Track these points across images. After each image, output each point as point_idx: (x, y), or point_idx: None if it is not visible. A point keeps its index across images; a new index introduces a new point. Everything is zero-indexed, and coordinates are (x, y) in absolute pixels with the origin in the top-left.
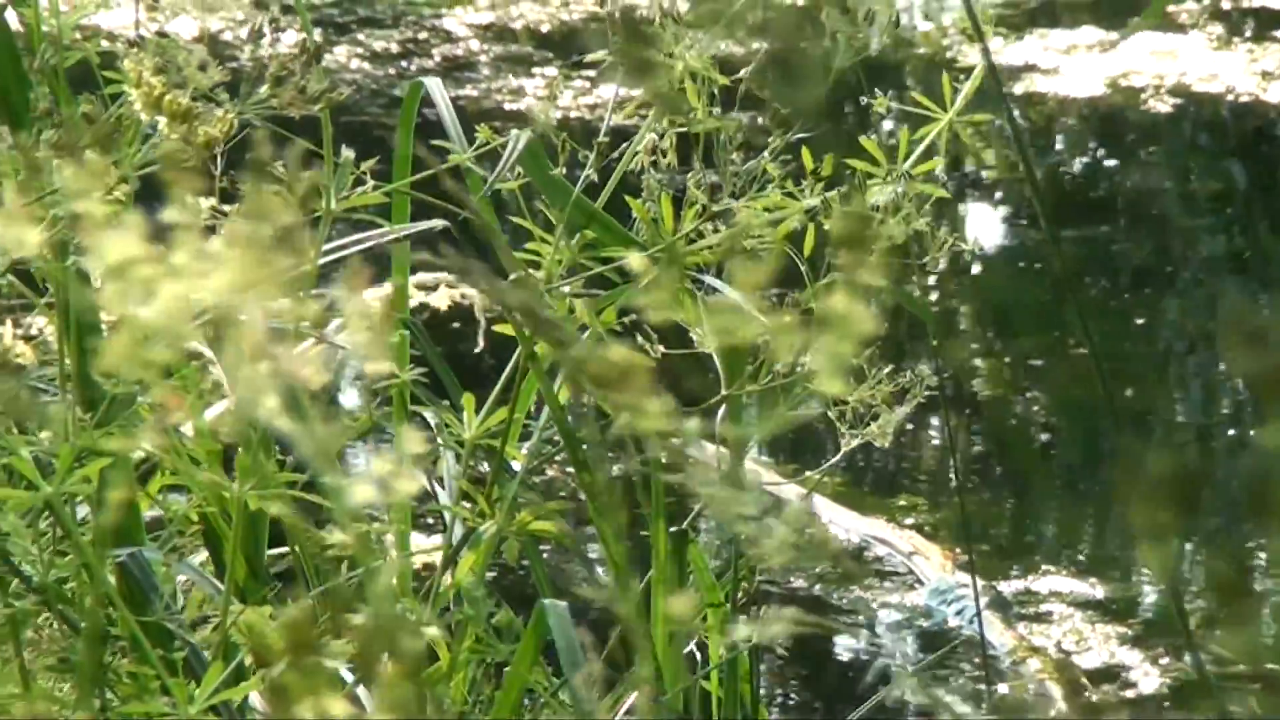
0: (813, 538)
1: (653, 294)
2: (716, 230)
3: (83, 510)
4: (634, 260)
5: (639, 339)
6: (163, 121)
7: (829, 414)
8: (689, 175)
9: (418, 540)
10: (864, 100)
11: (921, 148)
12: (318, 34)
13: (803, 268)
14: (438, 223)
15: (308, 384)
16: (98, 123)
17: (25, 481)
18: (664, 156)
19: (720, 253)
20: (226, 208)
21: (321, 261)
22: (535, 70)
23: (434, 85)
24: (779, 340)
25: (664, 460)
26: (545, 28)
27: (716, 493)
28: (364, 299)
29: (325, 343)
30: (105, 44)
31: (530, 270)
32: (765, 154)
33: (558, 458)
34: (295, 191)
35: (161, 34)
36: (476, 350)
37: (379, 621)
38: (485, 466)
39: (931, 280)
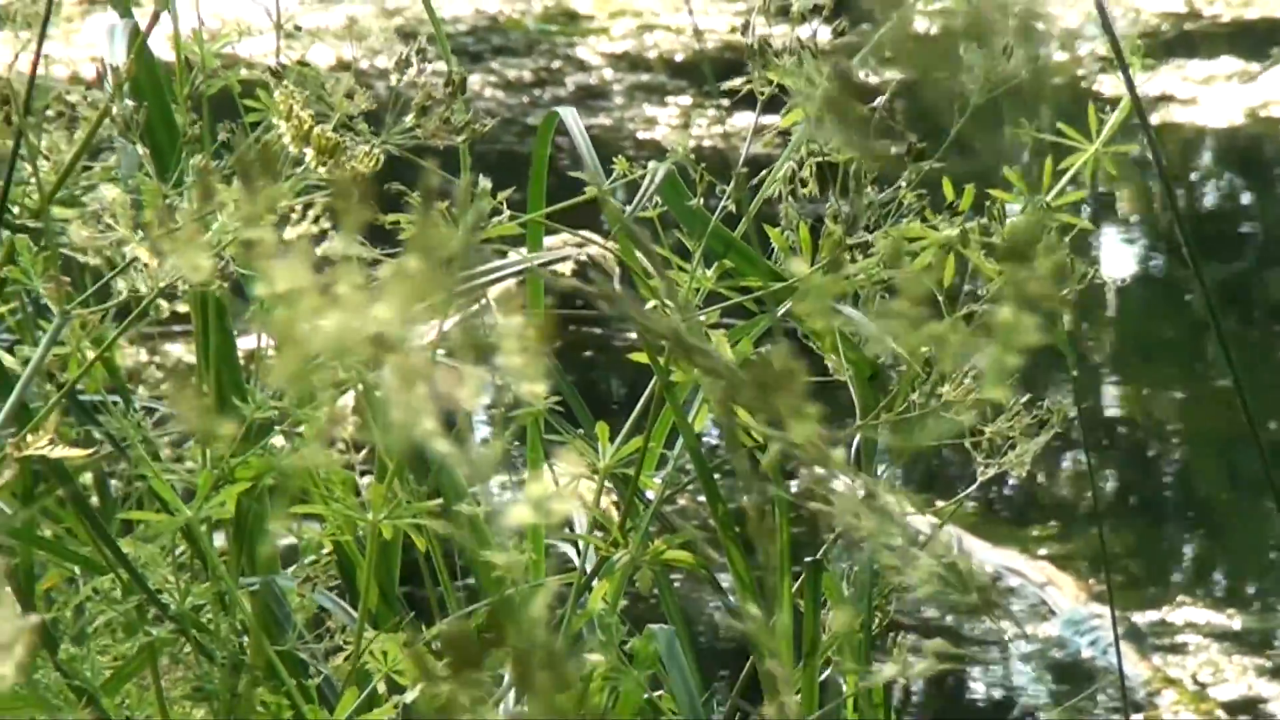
0: (958, 569)
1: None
2: (854, 260)
3: (215, 538)
4: (794, 265)
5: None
6: (310, 154)
7: (964, 443)
8: (826, 205)
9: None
10: (1003, 130)
11: (1065, 180)
12: (453, 62)
13: (939, 299)
14: (575, 251)
15: (464, 408)
16: (265, 151)
17: (164, 507)
18: (803, 186)
19: (857, 282)
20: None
21: (458, 290)
22: (669, 99)
23: (569, 114)
24: (946, 348)
25: (811, 485)
26: (679, 56)
27: (862, 521)
28: (520, 322)
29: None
30: (245, 72)
31: (667, 299)
32: (902, 184)
33: (691, 487)
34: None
35: (301, 63)
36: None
37: (537, 646)
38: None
39: (1069, 311)
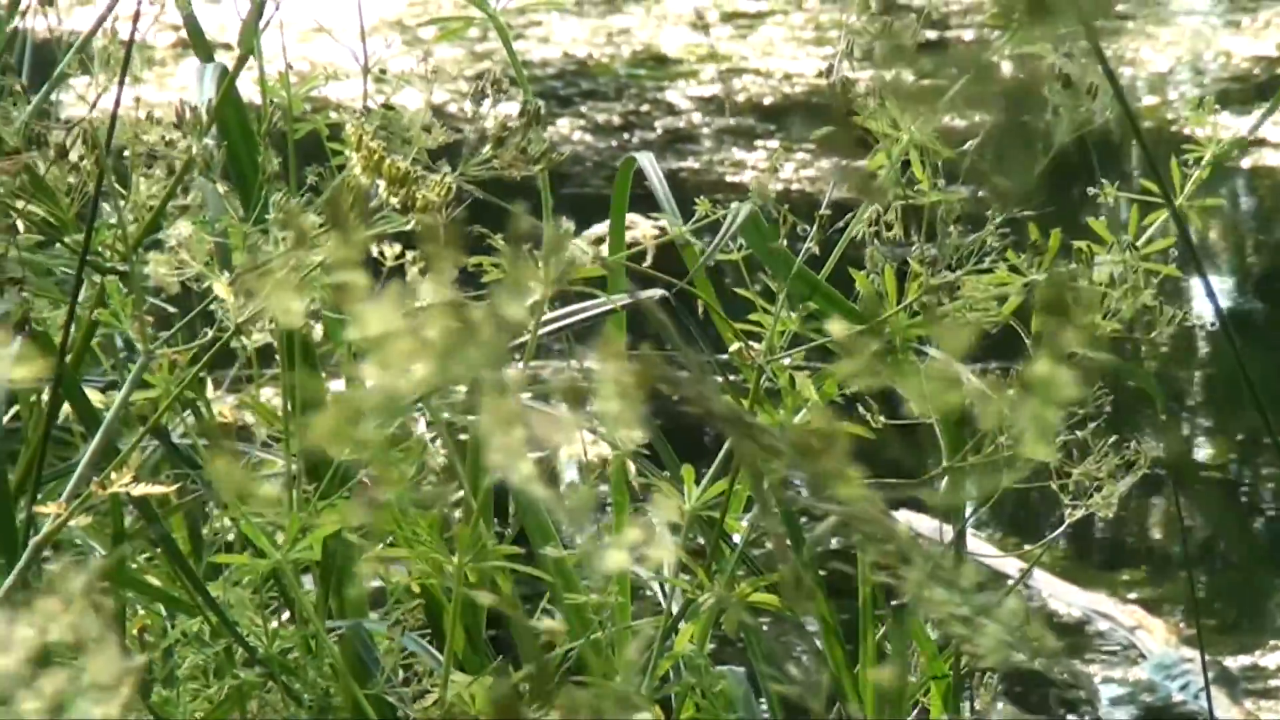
0: (1030, 634)
1: (854, 362)
2: (940, 303)
3: (303, 581)
4: (835, 327)
5: (860, 410)
6: (382, 185)
7: (1052, 486)
8: (911, 248)
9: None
10: (1089, 176)
11: (1150, 232)
12: (540, 106)
13: (1027, 342)
14: (656, 293)
15: (558, 451)
16: (355, 193)
17: (254, 550)
18: (889, 230)
19: (942, 325)
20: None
21: (542, 331)
22: (757, 143)
23: (646, 159)
24: (988, 407)
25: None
26: (767, 100)
27: (928, 593)
28: (619, 367)
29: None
30: (334, 115)
31: (751, 342)
32: (988, 227)
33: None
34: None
35: (388, 106)
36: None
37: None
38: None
39: (1158, 353)
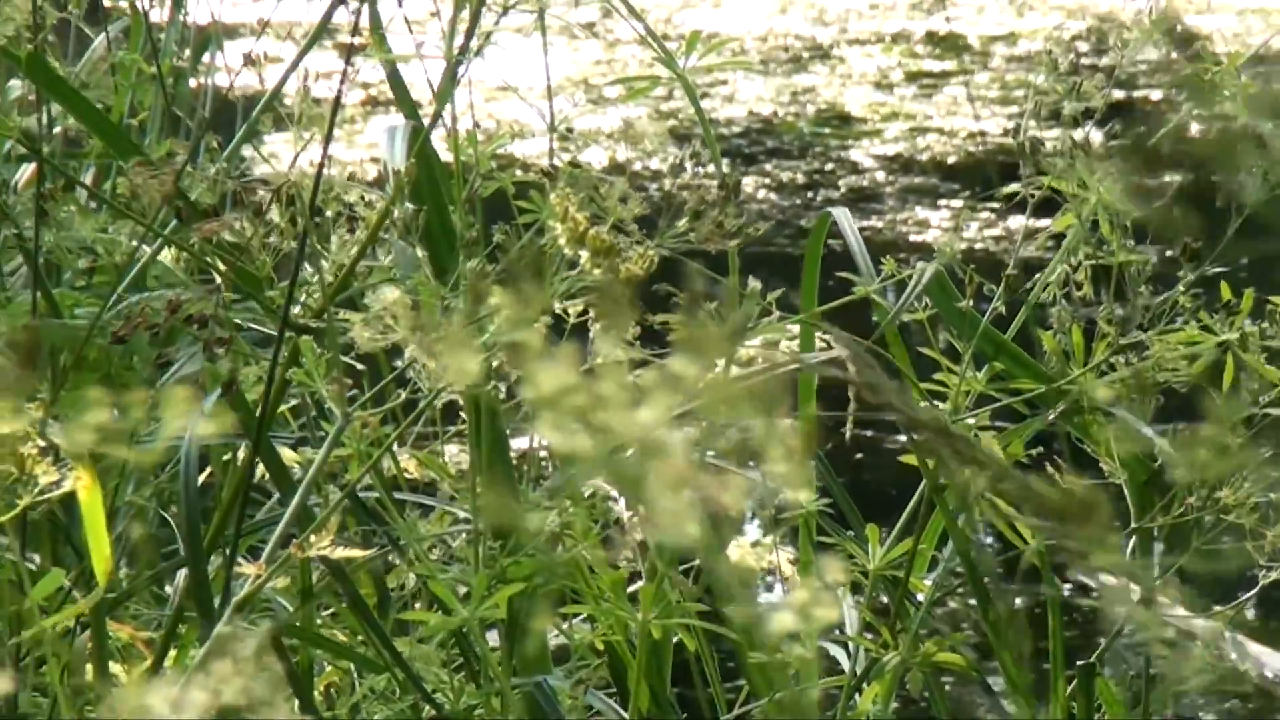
0: (1233, 668)
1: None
2: (1129, 363)
3: (489, 638)
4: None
5: (1048, 470)
6: (585, 256)
7: (1245, 547)
8: (1099, 308)
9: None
10: None
11: None
12: (725, 164)
13: (1219, 401)
14: (842, 352)
15: (728, 513)
16: (531, 254)
17: (441, 607)
18: (1078, 289)
19: (1132, 386)
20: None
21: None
22: (941, 202)
23: (842, 215)
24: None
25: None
26: (951, 159)
27: (1137, 614)
28: (783, 427)
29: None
30: (520, 173)
31: (935, 401)
32: (1178, 287)
33: (961, 590)
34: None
35: (574, 164)
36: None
37: None
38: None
39: None
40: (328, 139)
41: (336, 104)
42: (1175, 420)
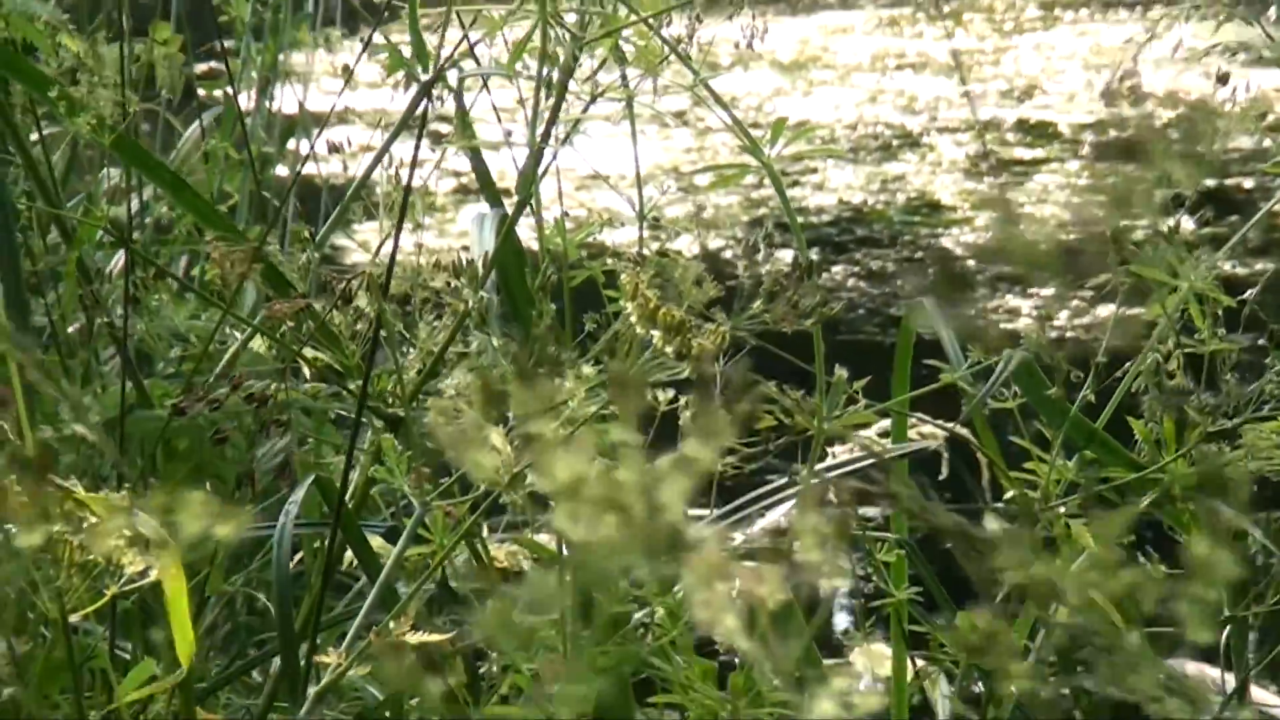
0: None
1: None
2: (1220, 452)
3: None
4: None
5: (1140, 557)
6: (657, 334)
7: None
8: (1190, 396)
9: None
10: None
11: None
12: (815, 253)
13: None
14: (931, 443)
15: (765, 603)
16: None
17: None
18: (1170, 378)
19: (1225, 473)
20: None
21: (815, 481)
22: (1031, 290)
23: (932, 305)
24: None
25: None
26: (1041, 246)
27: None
28: (818, 519)
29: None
30: (610, 261)
31: (1027, 489)
32: (1268, 375)
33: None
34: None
35: (662, 252)
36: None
37: None
38: (979, 686)
39: None
40: (398, 227)
41: (407, 192)
42: (1269, 509)
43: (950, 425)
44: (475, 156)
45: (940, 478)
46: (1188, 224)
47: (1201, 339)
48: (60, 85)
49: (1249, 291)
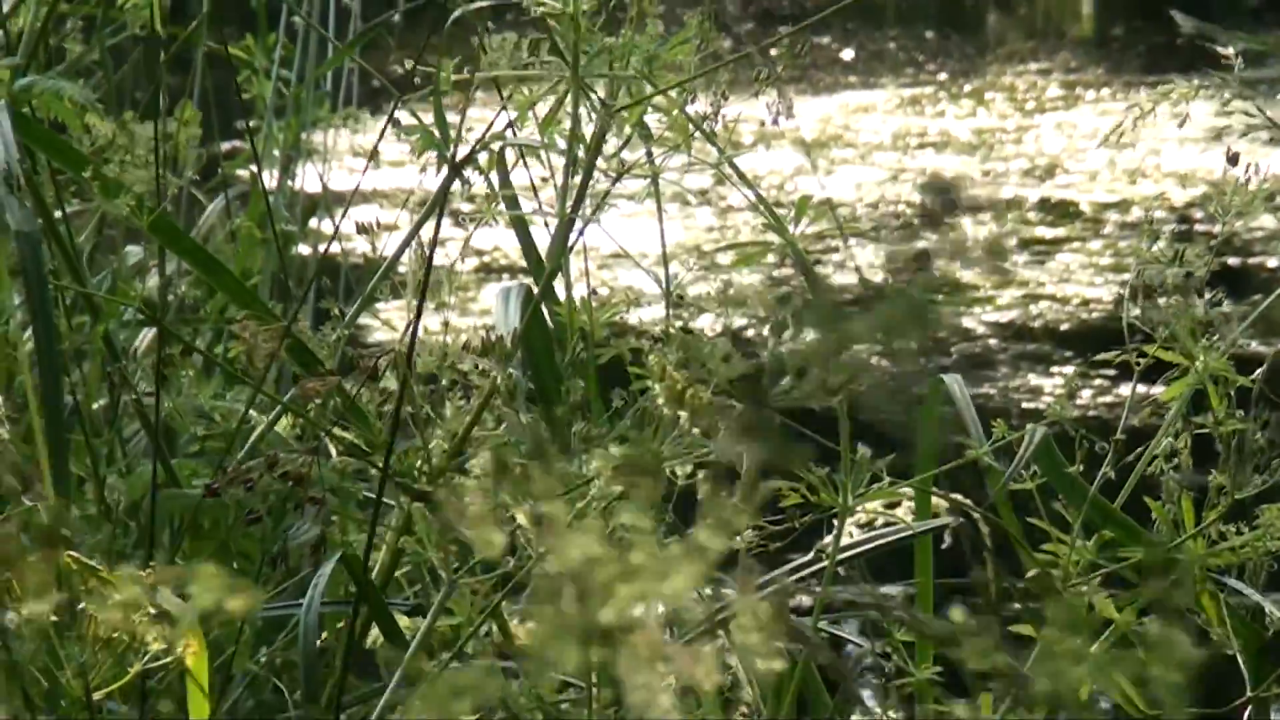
0: None
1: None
2: (1239, 532)
3: None
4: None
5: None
6: (684, 415)
7: None
8: (1210, 476)
9: None
10: None
11: None
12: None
13: None
14: (951, 521)
15: (700, 685)
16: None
17: None
18: (1182, 460)
19: (1243, 554)
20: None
21: (839, 559)
22: (1054, 369)
23: (954, 381)
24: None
25: None
26: (1064, 326)
27: None
28: (755, 600)
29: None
30: (635, 340)
31: (1047, 569)
32: None
33: None
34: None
35: (687, 330)
36: None
37: None
38: None
39: None
40: (419, 305)
41: (428, 270)
42: None
43: (975, 507)
44: (521, 230)
45: (943, 546)
46: (1201, 304)
47: (1218, 419)
48: (95, 165)
49: (1257, 371)
